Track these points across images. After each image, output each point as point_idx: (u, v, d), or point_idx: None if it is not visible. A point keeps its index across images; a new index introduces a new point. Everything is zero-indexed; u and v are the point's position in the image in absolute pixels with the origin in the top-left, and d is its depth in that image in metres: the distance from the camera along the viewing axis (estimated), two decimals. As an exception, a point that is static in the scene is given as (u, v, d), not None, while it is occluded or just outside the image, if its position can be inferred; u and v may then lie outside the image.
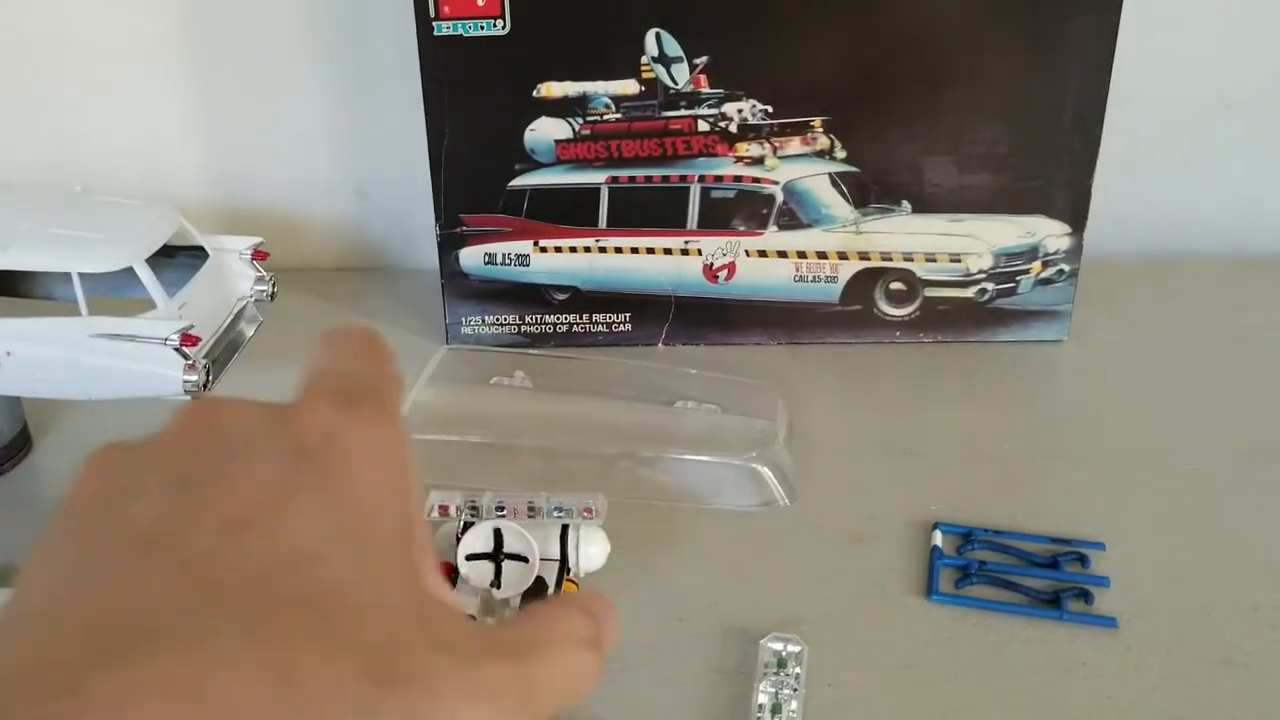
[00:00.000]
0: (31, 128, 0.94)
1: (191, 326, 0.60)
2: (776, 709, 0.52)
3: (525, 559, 0.53)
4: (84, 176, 0.92)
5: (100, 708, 0.19)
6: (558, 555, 0.57)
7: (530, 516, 0.56)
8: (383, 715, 0.22)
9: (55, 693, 0.19)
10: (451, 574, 0.55)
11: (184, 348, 0.60)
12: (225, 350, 0.65)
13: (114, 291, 0.64)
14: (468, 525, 0.56)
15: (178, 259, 0.68)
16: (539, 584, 0.54)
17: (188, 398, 0.61)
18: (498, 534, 0.53)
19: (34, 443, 0.73)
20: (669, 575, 0.62)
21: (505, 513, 0.56)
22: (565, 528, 0.56)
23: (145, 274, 0.61)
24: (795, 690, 0.53)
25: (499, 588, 0.52)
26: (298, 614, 0.22)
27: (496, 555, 0.53)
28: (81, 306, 0.61)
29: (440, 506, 0.56)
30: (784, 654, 0.54)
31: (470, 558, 0.53)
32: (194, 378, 0.60)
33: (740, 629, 0.58)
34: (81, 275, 0.60)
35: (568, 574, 0.57)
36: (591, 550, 0.58)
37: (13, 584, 0.23)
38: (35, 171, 0.95)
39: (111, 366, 0.60)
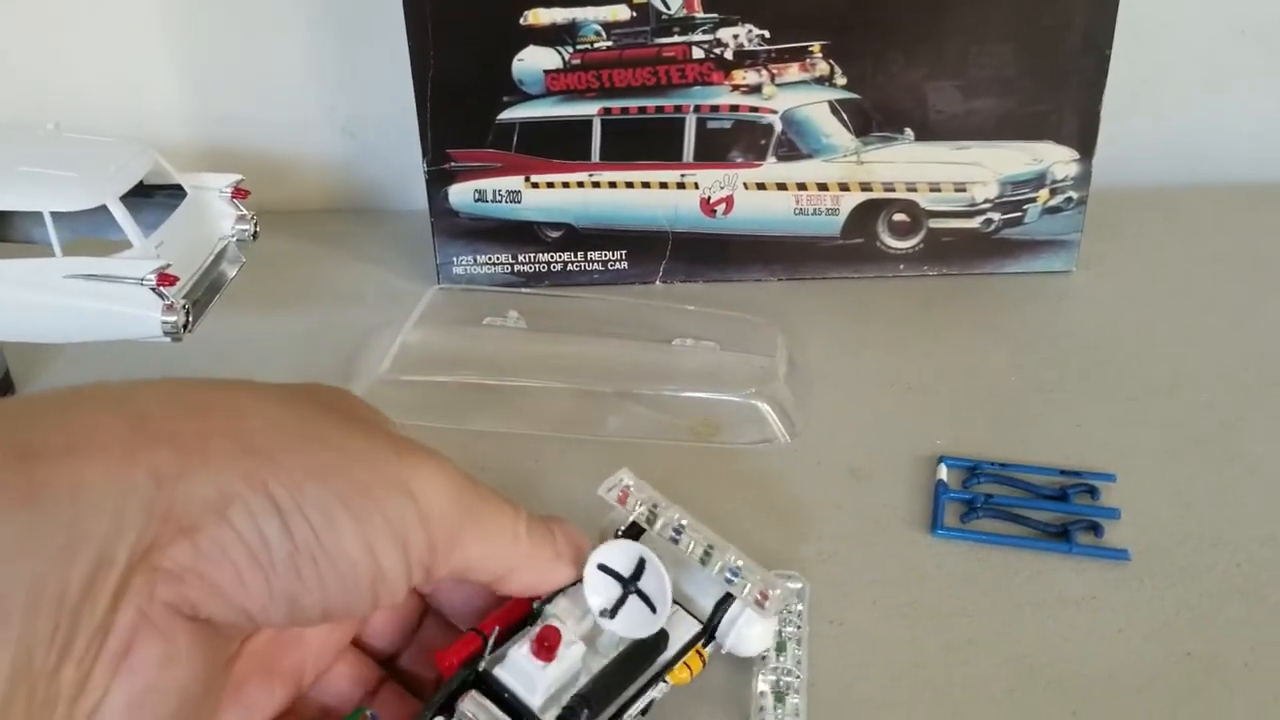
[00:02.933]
0: (9, 67, 0.92)
1: (169, 266, 0.58)
2: (781, 647, 0.50)
3: (654, 609, 0.43)
4: (56, 117, 0.89)
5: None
6: (704, 618, 0.46)
7: (702, 563, 0.46)
8: (139, 461, 0.30)
9: None
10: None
11: (161, 288, 0.58)
12: (206, 291, 0.63)
13: (89, 232, 0.62)
14: (630, 530, 0.47)
15: (155, 198, 0.66)
16: (659, 639, 0.44)
17: (166, 339, 0.59)
18: (641, 565, 0.43)
19: (16, 389, 0.71)
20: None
21: (679, 539, 0.46)
22: (728, 598, 0.46)
23: (120, 212, 0.59)
24: (799, 628, 0.51)
25: (611, 617, 0.43)
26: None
27: (629, 584, 0.43)
28: (55, 247, 0.59)
29: (621, 492, 0.47)
30: (788, 591, 0.52)
31: (602, 568, 0.43)
32: (172, 318, 0.58)
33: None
34: (54, 214, 0.58)
35: (703, 644, 0.46)
36: (750, 633, 0.46)
37: None
38: (3, 112, 0.93)
39: (87, 308, 0.58)
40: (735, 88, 0.75)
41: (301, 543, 0.31)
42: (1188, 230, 0.86)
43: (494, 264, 0.80)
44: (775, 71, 0.74)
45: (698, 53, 0.74)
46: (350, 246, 0.87)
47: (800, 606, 0.52)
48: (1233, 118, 0.92)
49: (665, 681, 0.44)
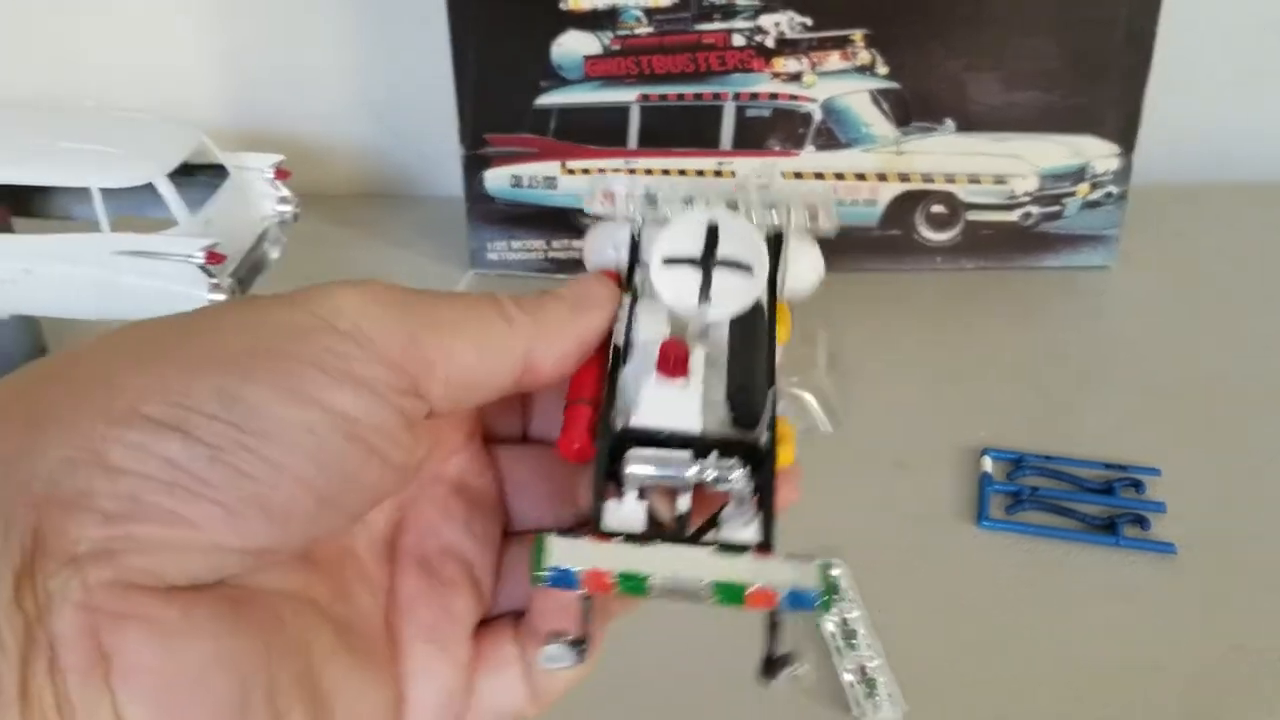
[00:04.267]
0: (39, 50, 0.92)
1: (217, 244, 0.58)
2: (850, 636, 0.50)
3: (749, 268, 0.36)
4: (94, 99, 0.89)
5: None
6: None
7: (733, 210, 0.39)
8: None
9: None
10: (624, 282, 0.38)
11: (209, 265, 0.57)
12: (249, 272, 0.63)
13: (133, 210, 0.62)
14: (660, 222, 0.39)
15: (198, 177, 0.65)
16: (755, 311, 0.37)
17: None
18: (713, 232, 0.37)
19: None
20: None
21: (692, 205, 0.39)
22: (778, 237, 0.38)
23: (167, 189, 0.59)
24: (859, 615, 0.52)
25: (708, 300, 0.36)
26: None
27: (708, 260, 0.36)
28: (103, 223, 0.58)
29: (604, 194, 0.40)
30: (837, 580, 0.52)
31: (670, 261, 0.36)
32: (220, 297, 0.58)
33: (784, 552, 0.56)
34: (102, 191, 0.58)
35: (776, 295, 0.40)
36: (801, 266, 0.40)
37: None
38: (43, 94, 0.93)
39: (134, 285, 0.58)
40: (775, 75, 0.74)
41: (215, 439, 0.25)
42: (1226, 226, 0.86)
43: (528, 250, 0.80)
44: (816, 60, 0.74)
45: (738, 40, 0.74)
46: (384, 231, 0.87)
47: (851, 594, 0.52)
48: (1270, 115, 0.92)
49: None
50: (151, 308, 0.59)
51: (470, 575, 0.33)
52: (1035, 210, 0.77)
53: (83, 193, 0.59)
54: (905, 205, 0.77)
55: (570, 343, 0.33)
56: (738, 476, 0.32)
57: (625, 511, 0.31)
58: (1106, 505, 0.59)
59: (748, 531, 0.31)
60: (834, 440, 0.64)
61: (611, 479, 0.32)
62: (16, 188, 0.62)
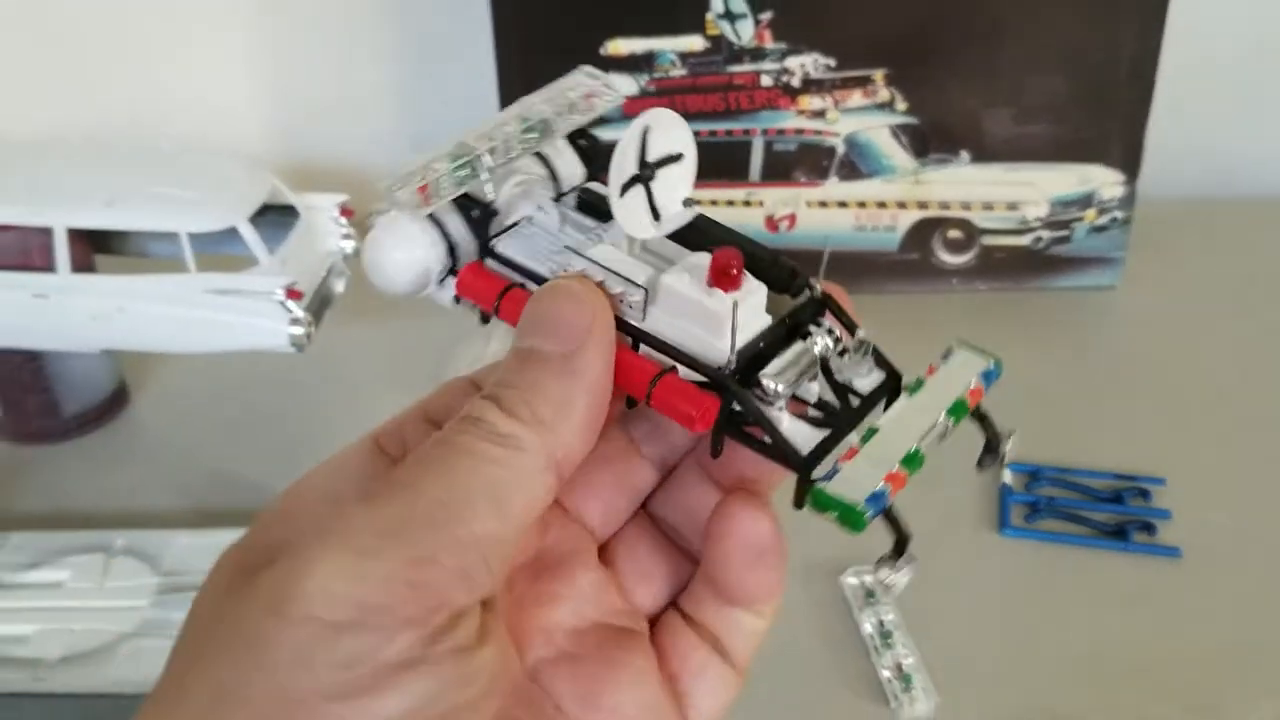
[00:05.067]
0: (101, 86, 0.97)
1: (295, 281, 0.63)
2: (887, 636, 0.56)
3: (678, 156, 0.34)
4: (153, 135, 0.94)
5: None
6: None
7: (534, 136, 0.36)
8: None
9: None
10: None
11: (289, 301, 0.63)
12: (320, 305, 0.68)
13: (215, 249, 0.67)
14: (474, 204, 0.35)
15: (268, 216, 0.70)
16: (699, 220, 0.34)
17: (291, 350, 0.64)
18: (644, 136, 0.33)
19: (130, 396, 0.76)
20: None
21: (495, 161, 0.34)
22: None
23: (249, 232, 0.64)
24: (893, 618, 0.57)
25: (658, 218, 0.33)
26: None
27: (643, 175, 0.33)
28: (190, 264, 0.63)
29: (420, 189, 0.34)
30: (871, 585, 0.57)
31: (625, 189, 0.32)
32: (300, 330, 0.63)
33: (817, 565, 0.61)
34: (190, 235, 0.63)
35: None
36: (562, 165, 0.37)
37: None
38: (104, 130, 0.98)
39: (219, 321, 0.63)
40: (801, 112, 0.80)
41: None
42: (1226, 244, 0.91)
43: (569, 276, 0.85)
44: (839, 97, 0.79)
45: (766, 80, 0.79)
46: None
47: (888, 600, 0.58)
48: (1271, 132, 0.97)
49: None
50: (236, 341, 0.64)
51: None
52: (1046, 234, 0.82)
53: (169, 235, 0.64)
54: (923, 231, 0.83)
55: (588, 413, 0.29)
56: (837, 330, 0.32)
57: (797, 430, 0.30)
58: (1117, 513, 0.64)
59: (873, 373, 0.32)
60: (863, 455, 0.69)
61: (732, 426, 0.30)
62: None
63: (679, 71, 0.79)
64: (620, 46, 0.78)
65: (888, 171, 0.81)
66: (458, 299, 0.35)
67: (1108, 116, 0.79)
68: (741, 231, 0.33)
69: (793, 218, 0.83)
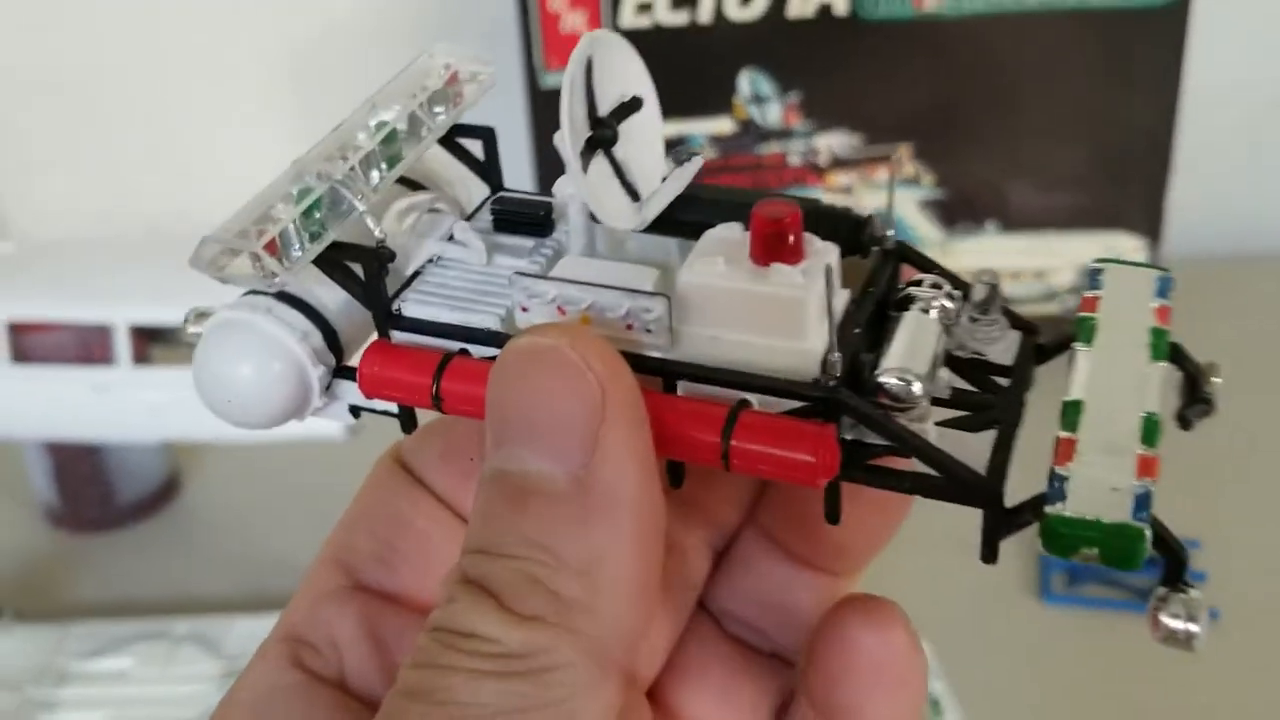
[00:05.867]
0: (147, 181, 1.00)
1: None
2: (935, 705, 0.57)
3: (637, 100, 0.25)
4: (193, 224, 0.97)
5: None
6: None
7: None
8: None
9: None
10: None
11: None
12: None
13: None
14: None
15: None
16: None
17: (340, 438, 0.66)
18: (588, 69, 0.24)
19: (182, 484, 0.78)
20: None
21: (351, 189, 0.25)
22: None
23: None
24: (942, 686, 0.58)
25: (637, 197, 0.25)
26: None
27: (601, 135, 0.24)
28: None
29: (266, 248, 0.24)
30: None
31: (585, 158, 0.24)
32: (353, 420, 0.65)
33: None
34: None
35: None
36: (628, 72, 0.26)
37: None
38: (147, 219, 1.01)
39: (275, 410, 0.65)
40: (829, 189, 0.82)
41: None
42: (1252, 303, 0.92)
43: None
44: (866, 173, 0.81)
45: (794, 159, 0.81)
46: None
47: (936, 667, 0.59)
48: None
49: None
50: (289, 430, 0.66)
51: None
52: (1073, 302, 0.84)
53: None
54: (952, 300, 0.84)
55: (640, 559, 0.19)
56: (949, 288, 0.23)
57: (957, 443, 0.23)
58: (1153, 576, 0.65)
59: (1008, 334, 0.24)
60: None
61: (853, 465, 0.22)
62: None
63: (710, 153, 0.81)
64: (652, 131, 0.80)
65: (915, 243, 0.83)
66: (358, 410, 0.25)
67: (1129, 183, 0.81)
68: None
69: (823, 290, 0.85)
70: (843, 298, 0.22)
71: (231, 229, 0.23)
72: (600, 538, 0.18)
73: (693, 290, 0.21)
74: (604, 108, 0.24)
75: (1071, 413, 0.21)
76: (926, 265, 0.24)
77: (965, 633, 0.63)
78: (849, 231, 0.23)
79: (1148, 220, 0.82)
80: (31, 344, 0.68)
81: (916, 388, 0.21)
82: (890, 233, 0.23)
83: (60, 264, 0.73)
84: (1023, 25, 0.77)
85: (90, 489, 0.74)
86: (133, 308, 0.67)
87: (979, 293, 0.23)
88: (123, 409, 0.68)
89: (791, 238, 0.21)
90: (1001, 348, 0.23)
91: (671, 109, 0.26)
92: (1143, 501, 0.20)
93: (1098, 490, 0.20)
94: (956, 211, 0.82)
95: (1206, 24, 0.78)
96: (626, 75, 0.24)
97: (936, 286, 0.23)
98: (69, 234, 0.99)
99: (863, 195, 0.82)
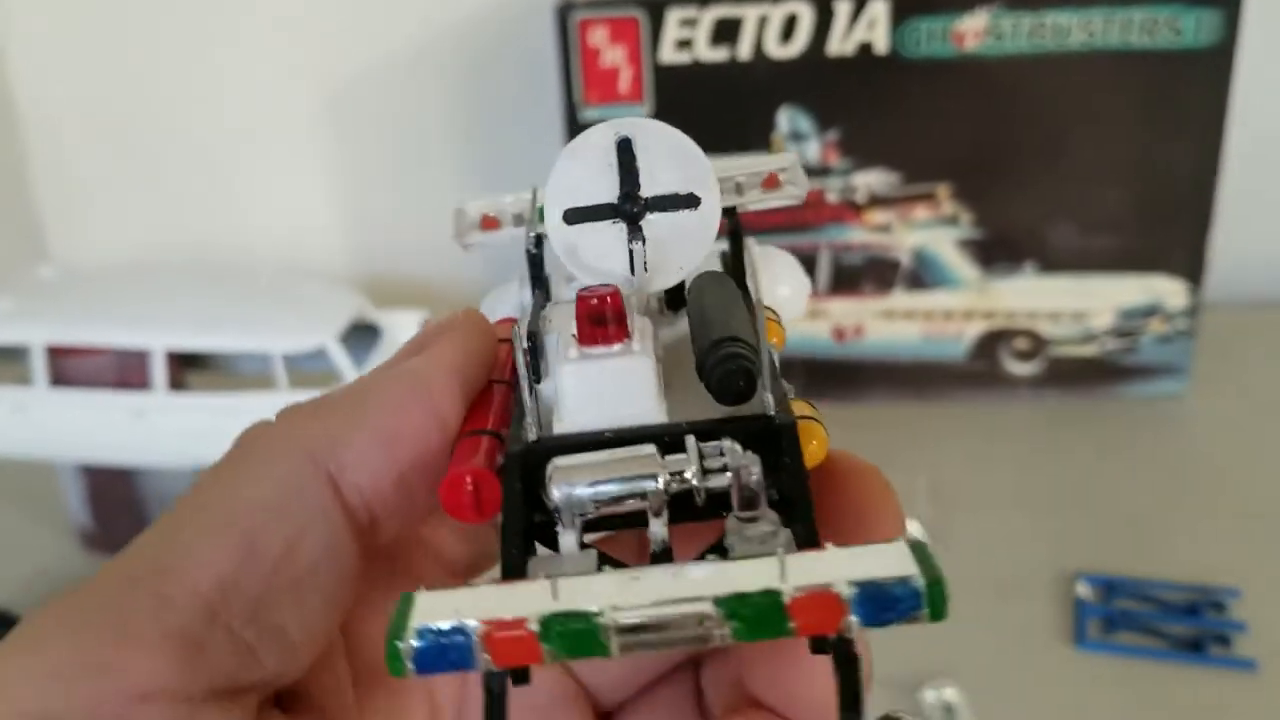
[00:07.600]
0: (190, 213, 1.01)
1: (380, 400, 0.65)
2: None
3: (694, 198, 0.26)
4: (239, 254, 0.98)
5: None
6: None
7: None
8: None
9: None
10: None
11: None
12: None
13: (302, 366, 0.70)
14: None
15: (353, 333, 0.73)
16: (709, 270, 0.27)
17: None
18: (625, 148, 0.26)
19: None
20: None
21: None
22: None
23: (337, 352, 0.66)
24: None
25: (638, 270, 0.26)
26: None
27: (627, 207, 0.25)
28: (281, 382, 0.66)
29: (485, 218, 0.31)
30: (952, 703, 0.58)
31: (574, 217, 0.26)
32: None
33: (893, 679, 0.62)
34: (284, 355, 0.66)
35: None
36: (780, 292, 0.30)
37: None
38: (195, 252, 1.02)
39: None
40: (867, 227, 0.81)
41: None
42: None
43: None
44: (904, 212, 0.81)
45: (832, 197, 0.81)
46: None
47: (966, 715, 0.58)
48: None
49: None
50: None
51: None
52: (1112, 344, 0.83)
53: (261, 355, 0.67)
54: (990, 341, 0.84)
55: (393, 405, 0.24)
56: (741, 462, 0.20)
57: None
58: (1192, 625, 0.64)
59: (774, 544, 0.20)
60: (936, 566, 0.70)
61: (533, 534, 0.21)
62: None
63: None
64: (690, 166, 0.81)
65: (953, 283, 0.82)
66: None
67: (1171, 226, 0.80)
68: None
69: (860, 328, 0.84)
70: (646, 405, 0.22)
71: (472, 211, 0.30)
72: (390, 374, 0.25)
73: (553, 346, 0.25)
74: (649, 186, 0.25)
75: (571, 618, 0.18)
76: (792, 472, 0.21)
77: (997, 679, 0.62)
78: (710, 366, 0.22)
79: (1189, 263, 0.81)
80: (70, 368, 0.68)
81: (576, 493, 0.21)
82: (775, 408, 0.22)
83: (99, 290, 0.73)
84: (1065, 65, 0.77)
85: (124, 513, 0.75)
86: (170, 334, 0.68)
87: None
88: (158, 434, 0.68)
89: (606, 320, 0.22)
90: (756, 541, 0.21)
91: (709, 145, 0.27)
92: (438, 648, 0.17)
93: (432, 610, 0.18)
94: (994, 251, 0.81)
95: (1252, 67, 0.78)
96: (686, 155, 0.25)
97: (724, 469, 0.21)
98: (110, 261, 1.00)
99: (900, 234, 0.81)
